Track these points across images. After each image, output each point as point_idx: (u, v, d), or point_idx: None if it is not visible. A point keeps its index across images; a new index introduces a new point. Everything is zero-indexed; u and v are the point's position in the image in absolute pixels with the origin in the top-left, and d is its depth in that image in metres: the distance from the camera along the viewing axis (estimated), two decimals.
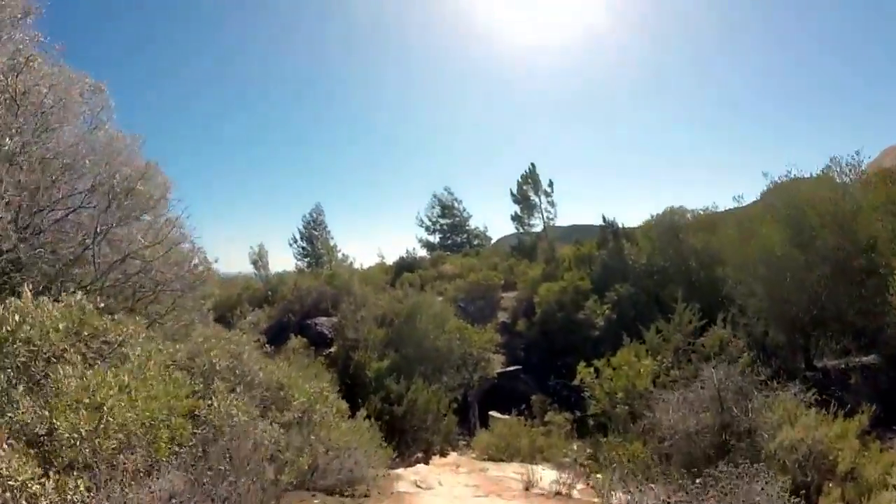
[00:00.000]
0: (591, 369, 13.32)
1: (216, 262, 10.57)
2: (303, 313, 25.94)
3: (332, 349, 22.24)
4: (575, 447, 13.77)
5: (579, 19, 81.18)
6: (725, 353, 12.79)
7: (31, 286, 5.15)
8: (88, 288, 6.83)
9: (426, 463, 13.65)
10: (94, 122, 8.39)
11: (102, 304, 5.22)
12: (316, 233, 47.03)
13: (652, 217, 22.19)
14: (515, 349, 22.64)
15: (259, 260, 31.69)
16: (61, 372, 4.21)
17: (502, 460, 13.08)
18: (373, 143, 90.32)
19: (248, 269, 32.35)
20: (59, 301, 4.83)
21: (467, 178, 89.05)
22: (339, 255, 45.94)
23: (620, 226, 23.87)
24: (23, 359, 4.34)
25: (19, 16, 7.24)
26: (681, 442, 9.51)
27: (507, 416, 18.62)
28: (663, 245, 20.31)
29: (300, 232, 46.70)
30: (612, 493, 8.56)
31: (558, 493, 8.60)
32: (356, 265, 42.86)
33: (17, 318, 4.32)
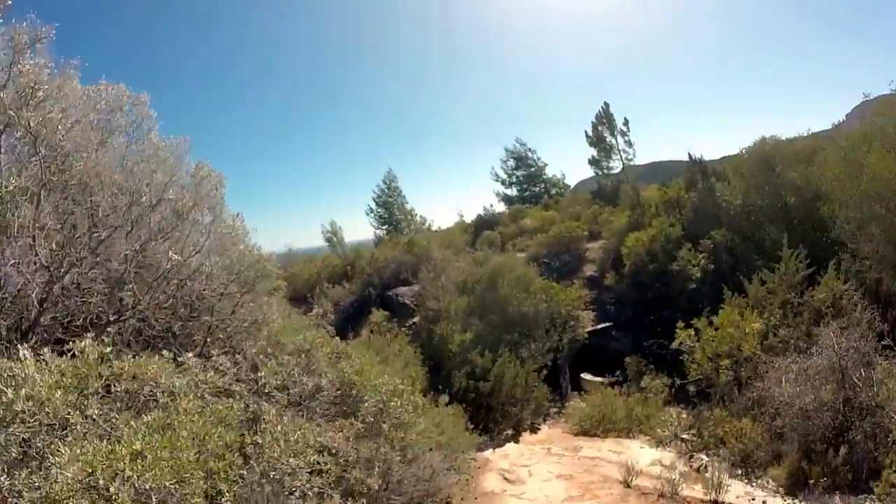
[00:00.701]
0: (691, 330, 12.14)
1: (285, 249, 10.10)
2: (383, 285, 25.67)
3: (416, 319, 21.86)
4: (674, 415, 12.78)
5: None
6: (839, 307, 11.34)
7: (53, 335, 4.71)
8: (128, 317, 6.43)
9: (516, 441, 13.05)
10: (134, 136, 8.06)
11: (113, 347, 4.71)
12: (391, 199, 46.85)
13: (742, 151, 20.07)
14: (605, 304, 21.49)
15: (334, 236, 31.54)
16: (59, 450, 3.67)
17: (597, 435, 12.27)
18: (442, 100, 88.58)
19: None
20: (65, 353, 4.35)
21: (542, 127, 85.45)
22: (418, 218, 45.89)
23: (708, 162, 21.83)
24: (25, 435, 3.85)
25: (27, 44, 6.76)
26: (796, 420, 8.39)
27: (599, 379, 17.75)
28: (758, 182, 18.33)
29: (375, 200, 46.56)
30: (724, 487, 7.63)
31: (662, 496, 7.68)
32: (435, 227, 42.73)
33: (12, 388, 3.83)
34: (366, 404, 7.77)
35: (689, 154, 22.03)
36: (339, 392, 7.90)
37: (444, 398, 11.73)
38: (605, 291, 22.12)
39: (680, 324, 12.40)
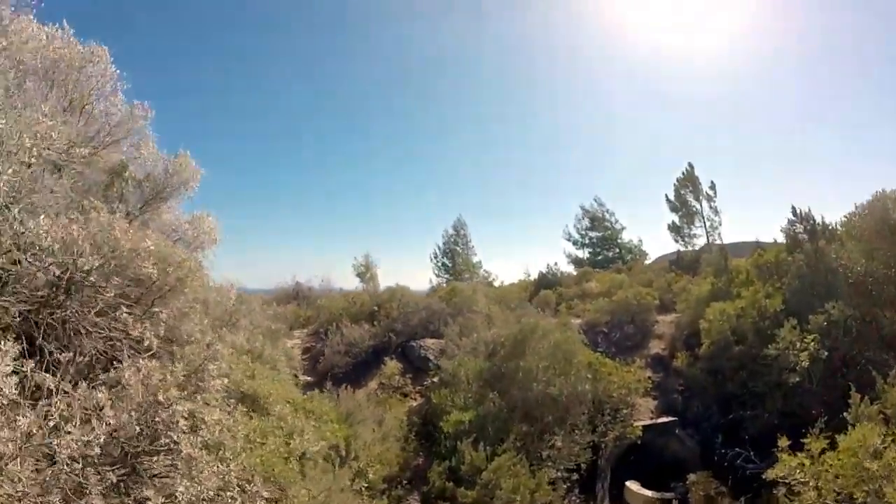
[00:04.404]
0: (804, 457, 7.58)
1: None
2: (409, 333, 21.88)
3: (436, 378, 17.89)
4: None
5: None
6: None
7: None
8: None
9: None
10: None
11: None
12: (457, 248, 43.64)
13: (857, 208, 15.06)
14: (671, 392, 16.83)
15: (367, 272, 28.11)
16: None
17: None
18: (526, 156, 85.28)
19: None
20: None
21: (623, 194, 79.73)
22: (482, 272, 42.21)
23: (819, 220, 16.89)
24: None
25: None
26: None
27: (650, 493, 13.15)
28: (877, 246, 13.56)
29: (440, 247, 43.37)
30: None
31: None
32: (497, 283, 38.78)
33: None
34: None
35: (792, 208, 17.28)
36: None
37: None
38: (672, 376, 17.50)
39: (783, 440, 7.85)
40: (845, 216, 15.25)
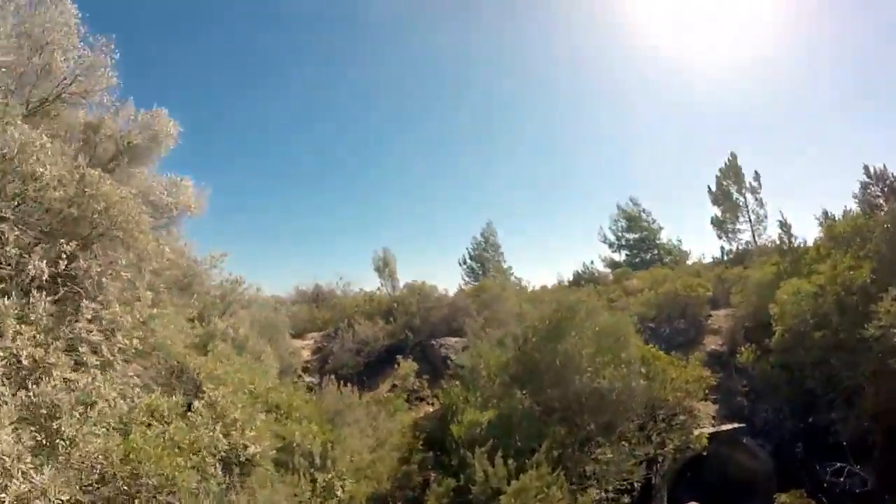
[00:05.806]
0: None
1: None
2: (429, 332, 19.69)
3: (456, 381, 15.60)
4: None
5: None
6: None
7: None
8: None
9: None
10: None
11: None
12: (487, 254, 41.43)
13: None
14: (733, 395, 14.34)
15: (385, 266, 26.11)
16: None
17: None
18: (557, 158, 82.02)
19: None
20: None
21: (659, 193, 75.14)
22: (513, 278, 39.88)
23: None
24: None
25: None
26: None
27: None
28: None
29: (469, 252, 41.20)
30: None
31: None
32: (529, 289, 36.49)
33: None
34: None
35: (865, 167, 14.80)
36: None
37: None
38: (734, 375, 14.91)
39: None
40: None
